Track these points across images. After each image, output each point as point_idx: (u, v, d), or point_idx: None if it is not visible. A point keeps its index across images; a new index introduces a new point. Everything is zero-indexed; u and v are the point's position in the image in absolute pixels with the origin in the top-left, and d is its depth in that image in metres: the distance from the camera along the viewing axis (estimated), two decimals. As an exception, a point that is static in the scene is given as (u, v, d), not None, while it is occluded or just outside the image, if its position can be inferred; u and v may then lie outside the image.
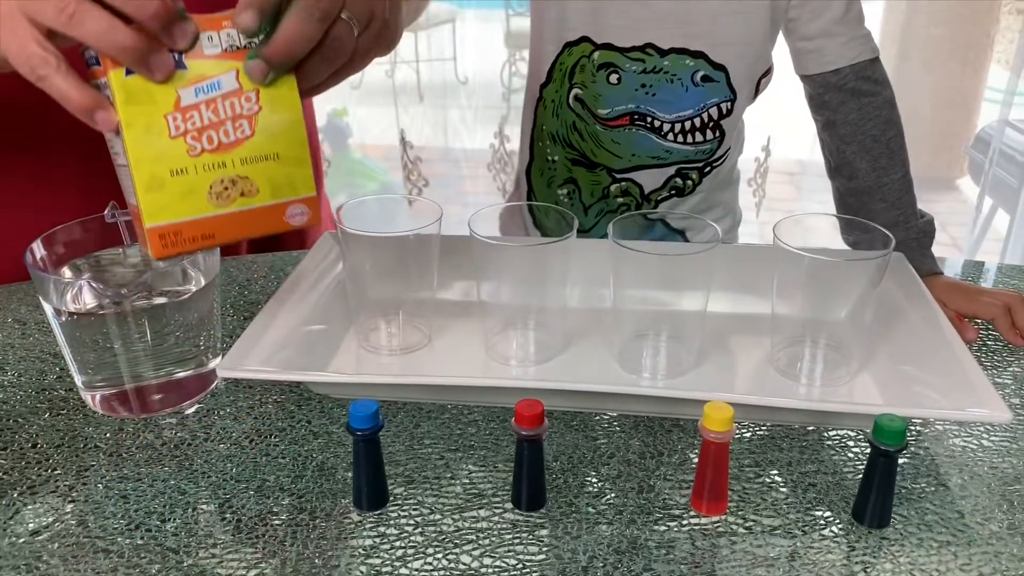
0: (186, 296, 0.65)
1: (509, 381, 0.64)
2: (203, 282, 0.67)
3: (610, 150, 0.91)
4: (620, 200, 0.94)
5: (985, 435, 0.64)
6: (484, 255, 0.69)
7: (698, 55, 0.85)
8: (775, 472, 0.60)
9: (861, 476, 0.56)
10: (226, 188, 0.55)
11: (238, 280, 0.87)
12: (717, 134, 0.89)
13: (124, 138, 0.52)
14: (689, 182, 0.92)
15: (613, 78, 0.86)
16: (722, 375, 0.70)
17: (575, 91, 0.89)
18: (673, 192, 0.93)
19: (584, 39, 0.86)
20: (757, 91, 0.89)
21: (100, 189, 0.68)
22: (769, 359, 0.71)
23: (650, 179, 0.92)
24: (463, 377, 0.65)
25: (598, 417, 0.66)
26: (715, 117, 0.88)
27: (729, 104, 0.87)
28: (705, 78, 0.86)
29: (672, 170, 0.91)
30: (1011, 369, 0.73)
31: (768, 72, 0.90)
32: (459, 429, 0.65)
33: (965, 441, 0.64)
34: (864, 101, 0.86)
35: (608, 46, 0.85)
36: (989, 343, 0.77)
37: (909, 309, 0.71)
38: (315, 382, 0.68)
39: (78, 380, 0.66)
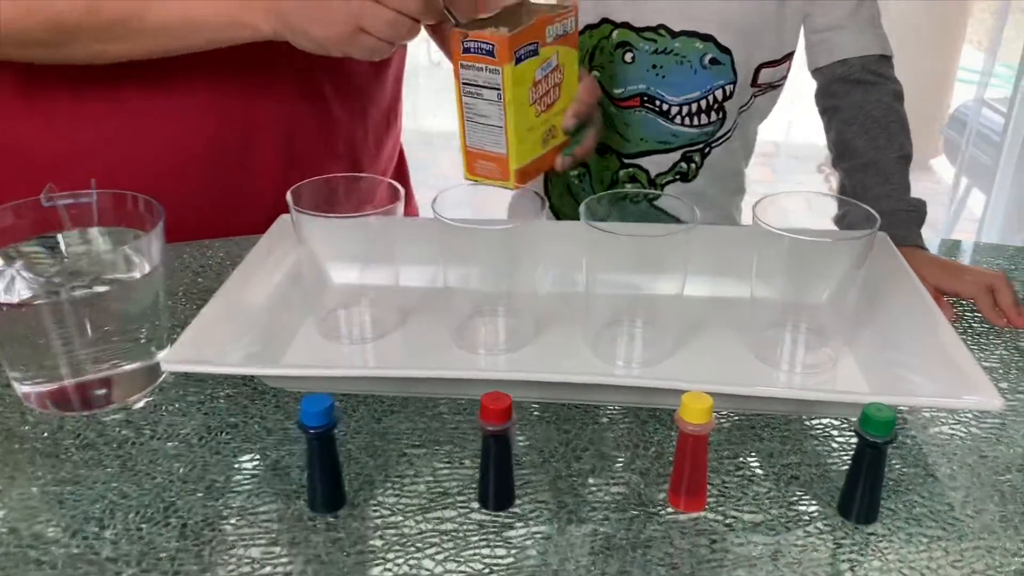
0: (128, 284, 0.61)
1: (475, 373, 0.61)
2: (147, 268, 0.62)
3: (621, 133, 0.93)
4: (629, 185, 0.96)
5: (974, 422, 0.62)
6: (448, 238, 0.65)
7: (707, 38, 0.87)
8: (756, 464, 0.57)
9: (847, 469, 0.53)
10: (548, 135, 0.76)
11: (192, 266, 0.82)
12: (720, 115, 0.91)
13: (508, 111, 0.70)
14: (693, 165, 0.94)
15: (628, 56, 0.89)
16: (700, 362, 0.66)
17: (594, 73, 0.91)
18: (678, 176, 0.95)
19: (604, 20, 0.89)
20: (756, 80, 0.90)
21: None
22: (749, 344, 0.68)
23: (656, 164, 0.94)
24: (426, 369, 0.61)
25: (570, 408, 0.63)
26: (719, 99, 0.90)
27: (732, 87, 0.89)
28: (713, 61, 0.88)
29: (678, 155, 0.93)
30: (998, 352, 0.70)
31: (774, 66, 0.90)
32: (423, 423, 0.61)
33: (952, 428, 0.61)
34: (869, 88, 0.87)
35: (626, 25, 0.89)
36: (975, 325, 0.74)
37: (893, 289, 0.68)
38: (268, 376, 0.64)
39: (12, 375, 0.61)
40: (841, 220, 0.77)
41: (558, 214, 1.00)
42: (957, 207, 2.12)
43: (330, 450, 0.52)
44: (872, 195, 0.81)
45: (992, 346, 0.71)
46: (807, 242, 0.62)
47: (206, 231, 0.89)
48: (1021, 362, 0.69)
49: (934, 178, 3.45)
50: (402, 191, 0.67)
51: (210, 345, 0.62)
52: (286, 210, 0.66)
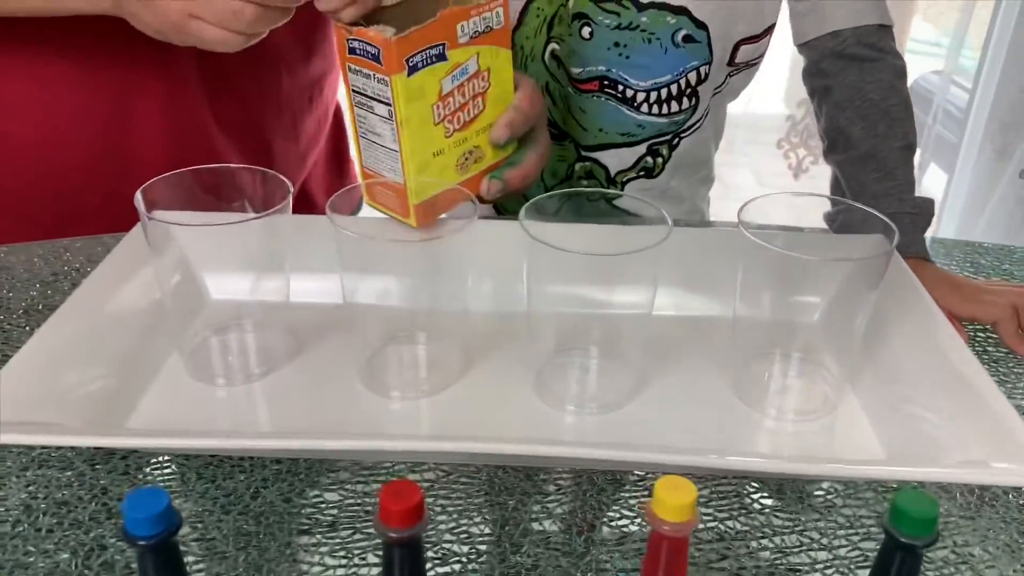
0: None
1: (381, 444, 0.46)
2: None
3: (578, 120, 0.78)
4: (584, 183, 0.81)
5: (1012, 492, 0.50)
6: (352, 249, 0.51)
7: (680, 11, 0.71)
8: (745, 554, 0.45)
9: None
10: (466, 158, 0.61)
11: (41, 274, 0.66)
12: (693, 102, 0.76)
13: (402, 132, 0.56)
14: (660, 159, 0.79)
15: (585, 31, 0.73)
16: (671, 410, 0.53)
17: (552, 45, 0.75)
18: (642, 173, 0.80)
19: None
20: (734, 59, 0.75)
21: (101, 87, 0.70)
22: (730, 381, 0.55)
23: (617, 160, 0.79)
24: (311, 439, 0.46)
25: (507, 472, 0.49)
26: (692, 83, 0.74)
27: (707, 68, 0.74)
28: (687, 38, 0.72)
29: (643, 148, 0.78)
30: (1021, 385, 0.58)
31: (754, 41, 0.75)
32: (314, 496, 0.47)
33: (982, 496, 0.49)
34: (866, 66, 0.73)
35: None
36: (990, 350, 0.62)
37: (904, 317, 0.56)
38: (109, 445, 0.48)
39: None
40: (833, 221, 0.65)
41: (501, 210, 0.85)
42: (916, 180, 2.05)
43: (171, 561, 0.37)
44: (871, 193, 0.68)
45: (1014, 377, 0.59)
46: (804, 261, 0.49)
47: (86, 212, 0.74)
48: (1050, 398, 0.57)
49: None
50: (290, 188, 0.52)
51: (33, 395, 0.46)
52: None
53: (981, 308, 0.62)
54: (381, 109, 0.56)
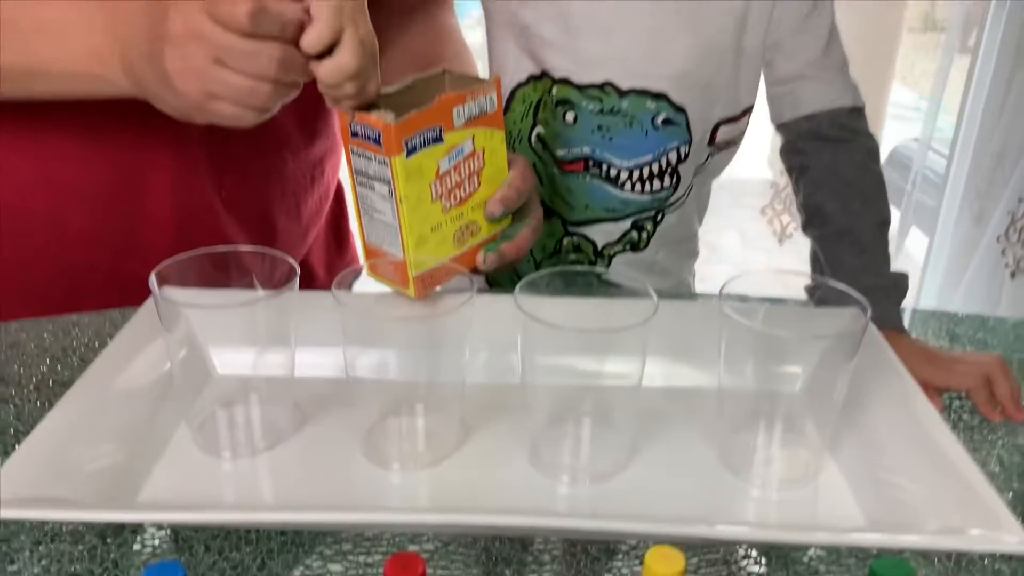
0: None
1: (381, 516, 0.48)
2: (-32, 374, 0.49)
3: (565, 198, 0.81)
4: (572, 256, 0.84)
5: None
6: (354, 323, 0.54)
7: (660, 96, 0.75)
8: (734, 617, 0.46)
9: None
10: (463, 232, 0.64)
11: (51, 350, 0.68)
12: (674, 180, 0.79)
13: (401, 209, 0.59)
14: (644, 233, 0.83)
15: (569, 117, 0.77)
16: (660, 479, 0.55)
17: (538, 129, 0.79)
18: (628, 246, 0.83)
19: (544, 73, 0.77)
20: (714, 139, 0.79)
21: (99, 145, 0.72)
22: (717, 449, 0.57)
23: (604, 234, 0.82)
24: (315, 512, 0.48)
25: (503, 543, 0.51)
26: (673, 162, 0.78)
27: (687, 148, 0.78)
28: (666, 121, 0.76)
29: (628, 223, 0.82)
30: (995, 452, 0.61)
31: (733, 122, 0.79)
32: (318, 567, 0.49)
33: (959, 561, 0.51)
34: (840, 147, 0.77)
35: (565, 81, 0.76)
36: (965, 417, 0.65)
37: (880, 388, 0.58)
38: (119, 520, 0.50)
39: None
40: (813, 293, 0.68)
41: (492, 283, 0.88)
42: (896, 245, 2.09)
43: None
44: (848, 268, 0.72)
45: (988, 444, 0.62)
46: (785, 338, 0.52)
47: (93, 286, 0.76)
48: (1021, 463, 0.60)
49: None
50: (296, 268, 0.55)
51: (49, 471, 0.48)
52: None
53: (954, 377, 0.65)
54: (382, 188, 0.59)
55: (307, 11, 0.56)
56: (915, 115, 2.64)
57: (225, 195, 0.79)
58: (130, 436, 0.54)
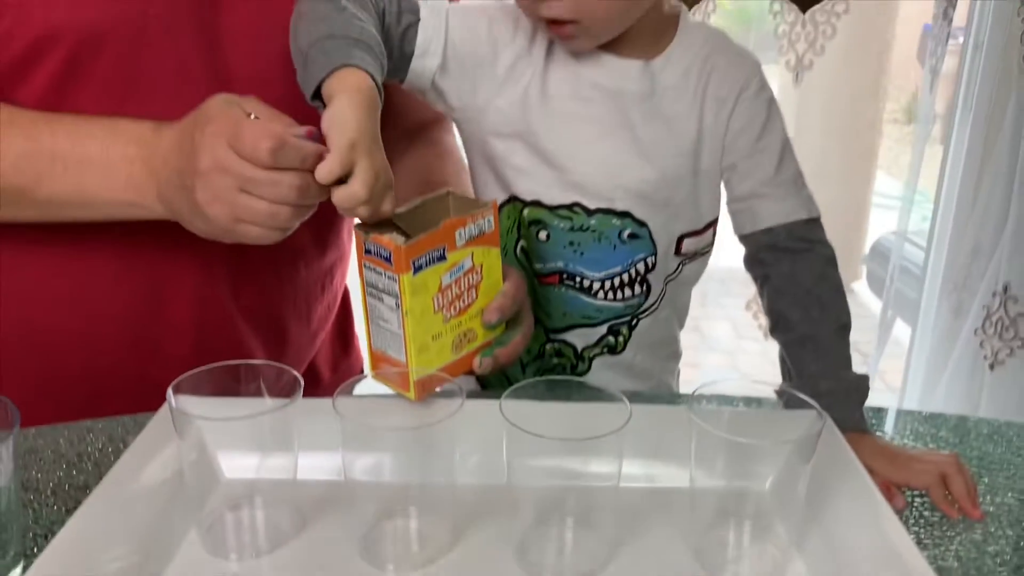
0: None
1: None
2: (-3, 483, 0.53)
3: (544, 308, 0.87)
4: (555, 360, 0.89)
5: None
6: (352, 433, 0.58)
7: (624, 215, 0.82)
8: None
9: None
10: (461, 339, 0.70)
11: (67, 456, 0.73)
12: (644, 288, 0.85)
13: (406, 320, 0.65)
14: (620, 337, 0.88)
15: (542, 235, 0.83)
16: None
17: (521, 243, 0.85)
18: (606, 349, 0.88)
19: (515, 198, 0.84)
20: (680, 250, 0.85)
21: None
22: (692, 548, 0.61)
23: (583, 338, 0.88)
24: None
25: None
26: (641, 272, 0.84)
27: (653, 258, 0.84)
28: (632, 235, 0.82)
29: (604, 328, 0.87)
30: (953, 547, 0.65)
31: (697, 235, 0.85)
32: (319, 664, 0.52)
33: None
34: (798, 256, 0.82)
35: (536, 203, 0.83)
36: (926, 514, 0.69)
37: (841, 488, 0.63)
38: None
39: None
40: (780, 397, 0.73)
41: (484, 384, 0.93)
42: (881, 335, 2.15)
43: None
44: (809, 372, 0.77)
45: (947, 540, 0.66)
46: (746, 444, 0.57)
47: (114, 391, 0.81)
48: (978, 560, 0.64)
49: (857, 300, 3.52)
50: (301, 382, 0.60)
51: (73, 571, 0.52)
52: (202, 363, 0.61)
53: (913, 476, 0.69)
54: (390, 300, 0.66)
55: (308, 132, 0.63)
56: (898, 204, 2.73)
57: (242, 304, 0.84)
58: (144, 539, 0.58)
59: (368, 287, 0.67)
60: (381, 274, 0.65)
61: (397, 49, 0.77)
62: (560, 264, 0.83)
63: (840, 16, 1.60)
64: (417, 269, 0.65)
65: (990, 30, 1.73)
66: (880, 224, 3.33)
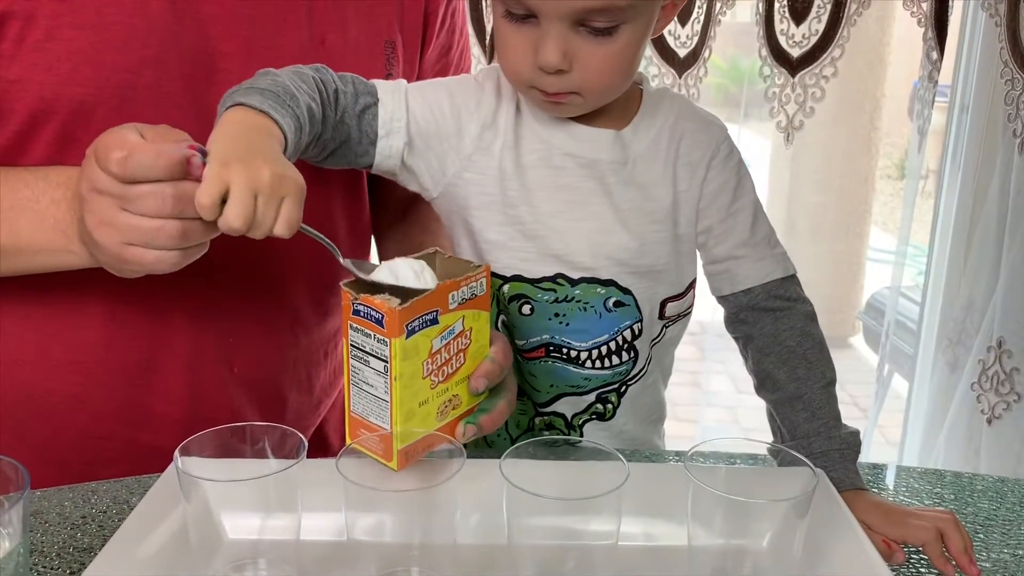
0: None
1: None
2: (7, 546, 0.54)
3: (530, 383, 0.86)
4: (546, 433, 0.89)
5: None
6: (354, 496, 0.59)
7: (608, 283, 0.82)
8: None
9: None
10: (446, 406, 0.68)
11: (71, 518, 0.73)
12: (632, 355, 0.85)
13: (395, 386, 0.62)
14: (610, 405, 0.88)
15: (525, 309, 0.83)
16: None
17: (501, 317, 0.85)
18: (595, 416, 0.88)
19: (492, 274, 0.81)
20: (663, 314, 0.86)
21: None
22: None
23: (571, 406, 0.87)
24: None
25: None
26: (628, 339, 0.84)
27: (639, 325, 0.84)
28: (617, 303, 0.82)
29: (592, 396, 0.87)
30: (951, 604, 0.66)
31: (679, 299, 0.87)
32: None
33: None
34: (779, 315, 0.83)
35: (518, 277, 0.82)
36: (923, 571, 0.70)
37: (837, 545, 0.64)
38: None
39: None
40: (776, 456, 0.74)
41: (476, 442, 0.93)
42: (879, 390, 2.15)
43: None
44: (802, 432, 0.78)
45: (944, 595, 0.67)
46: (743, 502, 0.58)
47: (112, 455, 0.82)
48: (976, 615, 0.64)
49: (854, 354, 3.53)
50: (304, 443, 0.62)
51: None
52: (196, 429, 0.62)
53: (910, 532, 0.70)
54: (377, 364, 0.63)
55: (190, 147, 0.61)
56: (892, 259, 2.76)
57: (237, 371, 0.85)
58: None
59: (353, 348, 0.64)
60: (370, 336, 0.63)
61: (356, 131, 0.77)
62: (546, 337, 0.83)
63: (829, 79, 1.64)
64: (410, 333, 0.62)
65: (975, 91, 1.78)
66: (875, 278, 3.36)
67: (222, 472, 0.60)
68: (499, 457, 0.61)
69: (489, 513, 0.67)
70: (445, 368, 0.67)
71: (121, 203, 0.60)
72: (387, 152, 0.79)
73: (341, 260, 0.67)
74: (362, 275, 0.66)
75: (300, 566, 0.64)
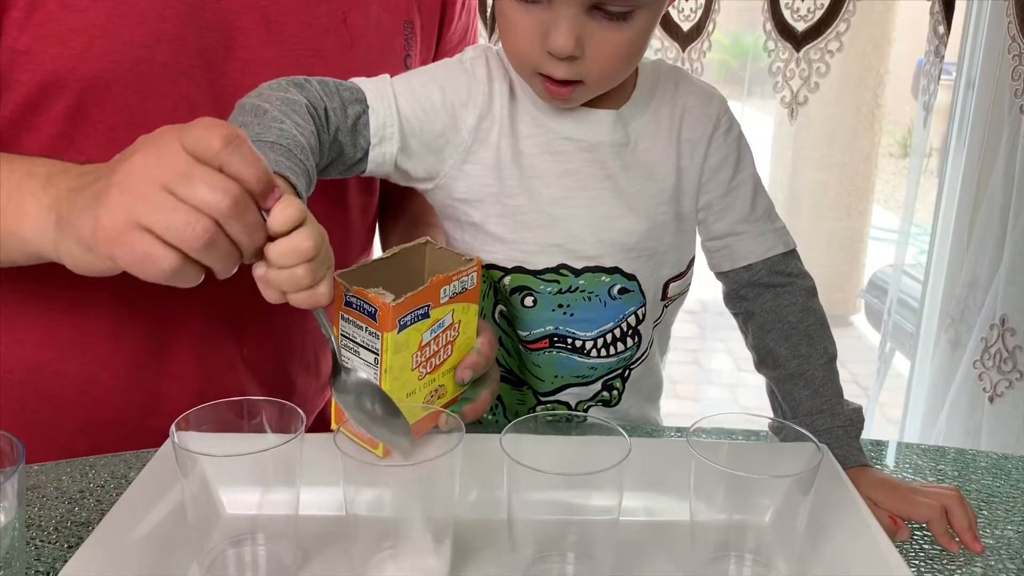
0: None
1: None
2: (1, 519, 0.54)
3: (533, 373, 0.85)
4: (548, 420, 0.86)
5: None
6: (353, 472, 0.59)
7: (613, 270, 0.80)
8: None
9: None
10: (432, 396, 0.68)
11: (69, 492, 0.73)
12: (636, 339, 0.84)
13: (384, 378, 0.62)
14: (615, 391, 0.87)
15: (528, 301, 0.81)
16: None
17: (500, 307, 0.83)
18: (600, 403, 0.87)
19: (492, 266, 0.81)
20: (665, 295, 0.85)
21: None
22: (691, 581, 0.62)
23: (576, 396, 0.86)
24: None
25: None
26: (633, 324, 0.83)
27: (643, 310, 0.83)
28: (622, 290, 0.81)
29: (598, 385, 0.86)
30: (955, 580, 0.65)
31: (680, 278, 0.86)
32: None
33: None
34: (780, 291, 0.82)
35: (519, 269, 0.80)
36: (926, 547, 0.69)
37: (841, 522, 0.63)
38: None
39: None
40: (779, 432, 0.73)
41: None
42: (881, 368, 2.15)
43: None
44: (804, 410, 0.77)
45: (947, 573, 0.66)
46: (746, 478, 0.57)
47: (116, 439, 0.81)
48: (980, 591, 0.64)
49: (855, 333, 3.53)
50: (303, 418, 0.61)
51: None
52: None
53: (915, 509, 0.69)
54: (367, 355, 0.64)
55: (272, 185, 0.54)
56: (895, 237, 2.75)
57: (246, 354, 0.84)
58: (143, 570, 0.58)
59: (344, 339, 0.65)
60: (361, 328, 0.63)
61: (350, 146, 0.74)
62: (549, 328, 0.81)
63: (834, 54, 1.62)
64: (402, 328, 0.62)
65: (981, 67, 1.75)
66: (878, 257, 3.35)
67: (220, 447, 0.59)
68: (499, 433, 0.60)
69: (489, 488, 0.66)
70: (433, 360, 0.67)
71: (171, 181, 0.52)
72: (380, 159, 0.77)
73: (336, 354, 0.64)
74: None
75: (299, 541, 0.64)
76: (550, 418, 0.65)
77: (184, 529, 0.62)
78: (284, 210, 0.54)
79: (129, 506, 0.63)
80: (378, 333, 0.62)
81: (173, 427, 0.58)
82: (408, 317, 0.63)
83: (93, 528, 0.60)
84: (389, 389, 0.63)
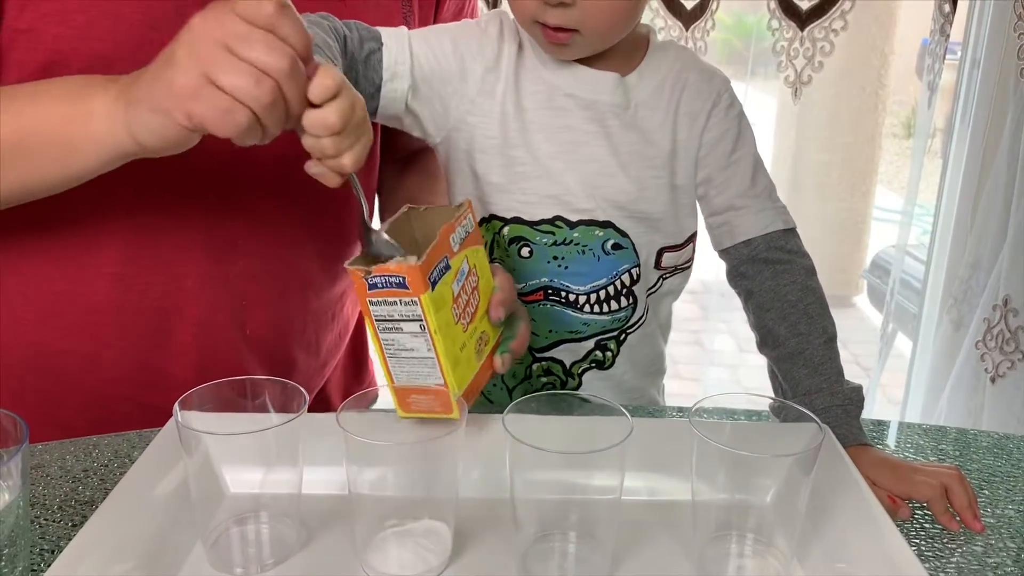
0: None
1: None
2: (6, 498, 0.54)
3: None
4: (544, 379, 0.89)
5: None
6: (356, 450, 0.59)
7: (606, 224, 0.82)
8: None
9: None
10: (479, 344, 0.69)
11: (73, 471, 0.73)
12: (630, 300, 0.85)
13: (435, 340, 0.63)
14: (608, 353, 0.88)
15: (524, 251, 0.83)
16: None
17: (495, 263, 0.83)
18: (594, 364, 0.88)
19: (493, 216, 0.83)
20: (660, 263, 0.85)
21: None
22: (693, 561, 0.62)
23: (570, 353, 0.88)
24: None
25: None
26: (627, 283, 0.84)
27: (637, 270, 0.84)
28: (615, 246, 0.83)
29: (591, 343, 0.87)
30: (954, 559, 0.65)
31: (676, 250, 0.86)
32: (324, 677, 0.53)
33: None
34: (779, 268, 0.82)
35: (517, 220, 0.83)
36: (927, 526, 0.70)
37: (841, 501, 0.64)
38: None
39: None
40: (779, 412, 0.74)
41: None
42: (883, 348, 2.15)
43: None
44: (804, 389, 0.77)
45: (948, 551, 0.66)
46: (748, 457, 0.57)
47: (119, 417, 0.81)
48: (979, 572, 0.64)
49: (858, 314, 3.53)
50: (306, 397, 0.61)
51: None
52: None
53: (915, 488, 0.70)
54: (411, 327, 0.63)
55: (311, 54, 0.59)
56: (899, 218, 2.74)
57: (248, 333, 0.85)
58: (150, 554, 0.59)
59: (380, 323, 0.63)
60: (395, 303, 0.62)
61: (363, 78, 0.77)
62: (544, 280, 0.83)
63: (838, 33, 1.61)
64: (433, 284, 0.62)
65: (987, 46, 1.74)
66: (880, 238, 3.34)
67: (223, 426, 0.59)
68: (500, 411, 0.60)
69: (492, 467, 0.67)
70: (468, 309, 0.68)
71: (233, 42, 0.55)
72: (392, 96, 0.79)
73: (366, 220, 0.67)
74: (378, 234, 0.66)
75: (302, 520, 0.64)
76: (553, 396, 0.65)
77: (188, 508, 0.62)
78: (323, 80, 0.58)
79: (133, 485, 0.63)
80: (414, 299, 0.61)
81: (176, 406, 0.58)
82: (435, 273, 0.63)
83: (97, 507, 0.61)
84: (444, 350, 0.63)
